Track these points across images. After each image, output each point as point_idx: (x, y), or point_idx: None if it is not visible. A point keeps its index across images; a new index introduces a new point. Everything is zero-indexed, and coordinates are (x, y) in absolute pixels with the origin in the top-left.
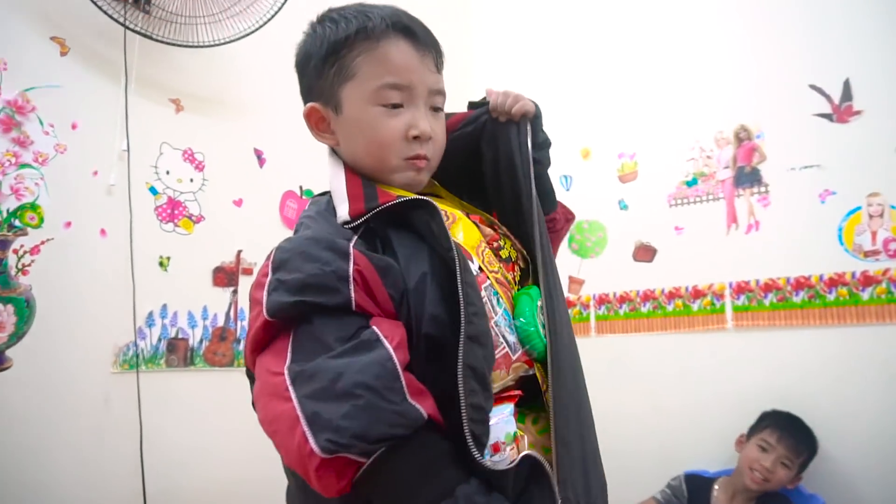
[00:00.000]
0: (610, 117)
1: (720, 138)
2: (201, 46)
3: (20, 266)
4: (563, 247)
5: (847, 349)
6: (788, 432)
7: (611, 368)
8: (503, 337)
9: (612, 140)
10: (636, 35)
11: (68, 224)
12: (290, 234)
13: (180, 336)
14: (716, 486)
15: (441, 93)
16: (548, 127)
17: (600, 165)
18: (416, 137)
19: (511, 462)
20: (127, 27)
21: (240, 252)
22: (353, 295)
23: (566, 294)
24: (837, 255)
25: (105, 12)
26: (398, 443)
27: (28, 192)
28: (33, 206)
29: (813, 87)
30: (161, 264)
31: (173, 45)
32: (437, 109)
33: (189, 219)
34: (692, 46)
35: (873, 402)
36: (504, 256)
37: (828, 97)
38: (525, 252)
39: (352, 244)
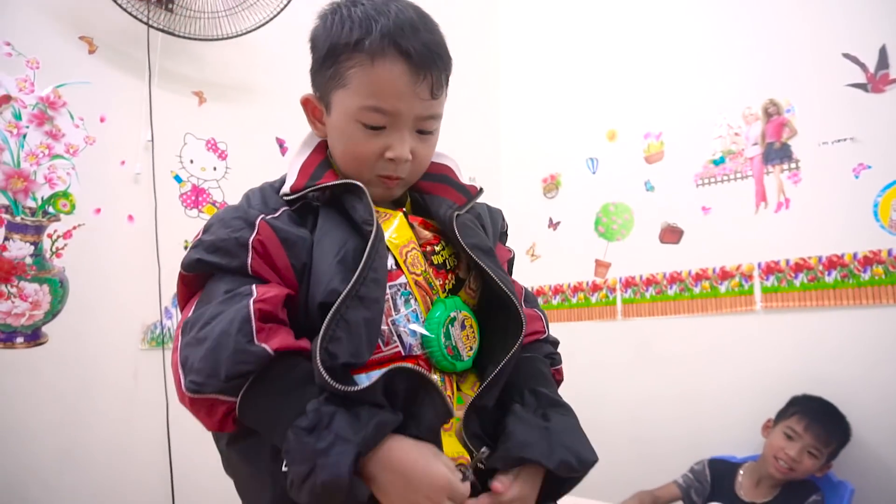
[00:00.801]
0: (635, 98)
1: (748, 114)
2: (222, 39)
3: (54, 249)
4: (590, 230)
5: (883, 330)
6: (817, 420)
7: (638, 352)
8: (398, 335)
9: (637, 121)
10: (659, 12)
11: (98, 210)
12: None
13: None
14: (741, 472)
15: (433, 117)
16: (574, 110)
17: (626, 147)
18: (391, 160)
19: (370, 380)
20: (150, 26)
21: None
22: (249, 261)
23: (593, 278)
24: (873, 232)
25: (129, 13)
26: (255, 377)
27: (60, 181)
28: (65, 194)
29: (846, 55)
30: (185, 248)
31: (195, 39)
32: (424, 132)
33: (213, 205)
34: (716, 20)
35: (886, 384)
36: (437, 262)
37: (862, 66)
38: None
39: (261, 217)
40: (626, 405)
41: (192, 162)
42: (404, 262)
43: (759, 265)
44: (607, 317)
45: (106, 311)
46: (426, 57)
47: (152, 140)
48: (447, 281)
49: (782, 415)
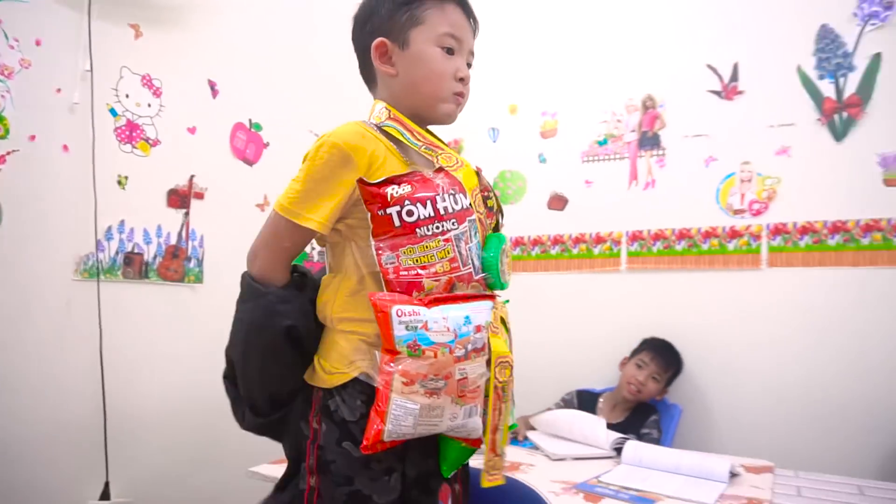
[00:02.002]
0: (537, 78)
1: (629, 105)
2: None
3: None
4: None
5: (713, 290)
6: (660, 353)
7: (522, 304)
8: (472, 259)
9: (537, 99)
10: (564, 8)
11: (32, 137)
12: (239, 163)
13: (136, 251)
14: (601, 399)
15: (473, 54)
16: (481, 83)
17: (525, 121)
18: (461, 79)
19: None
20: None
21: (192, 177)
22: None
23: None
24: (714, 212)
25: None
26: None
27: None
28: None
29: (709, 66)
30: (119, 183)
31: None
32: (469, 65)
33: (146, 142)
34: (612, 21)
35: (722, 332)
36: (489, 205)
37: (720, 76)
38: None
39: None
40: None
41: (127, 96)
42: (473, 201)
43: (627, 233)
44: None
45: (40, 240)
46: (471, 8)
47: (91, 70)
48: (492, 220)
49: (636, 352)
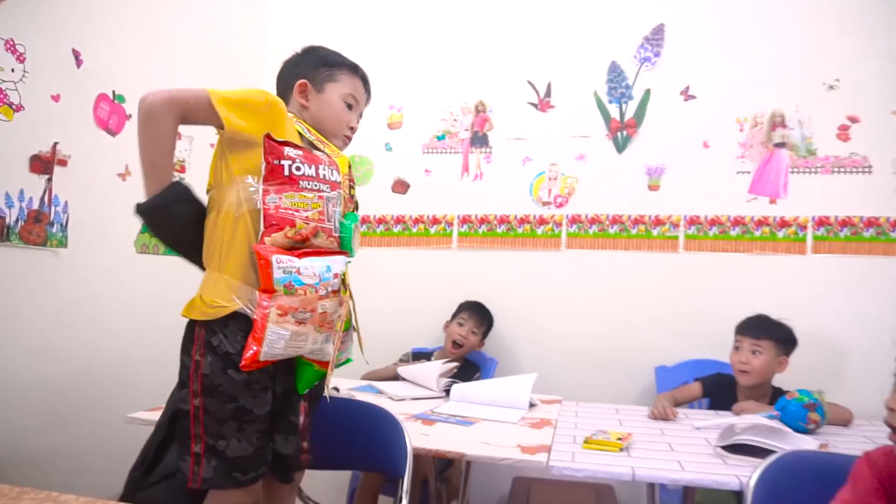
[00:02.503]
0: (387, 75)
1: (465, 107)
2: None
3: None
4: None
5: (525, 266)
6: (475, 311)
7: (367, 275)
8: (334, 220)
9: (386, 93)
10: (414, 15)
11: None
12: (102, 133)
13: None
14: (433, 357)
15: (362, 115)
16: None
17: (375, 113)
18: (351, 128)
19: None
20: None
21: (56, 144)
22: None
23: None
24: (527, 203)
25: None
26: None
27: None
28: None
29: (529, 82)
30: None
31: None
32: (357, 121)
33: (10, 106)
34: (455, 32)
35: (530, 300)
36: (352, 193)
37: (537, 92)
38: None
39: None
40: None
41: None
42: (343, 181)
43: (458, 216)
44: None
45: None
46: (370, 85)
47: None
48: (352, 205)
49: (455, 314)
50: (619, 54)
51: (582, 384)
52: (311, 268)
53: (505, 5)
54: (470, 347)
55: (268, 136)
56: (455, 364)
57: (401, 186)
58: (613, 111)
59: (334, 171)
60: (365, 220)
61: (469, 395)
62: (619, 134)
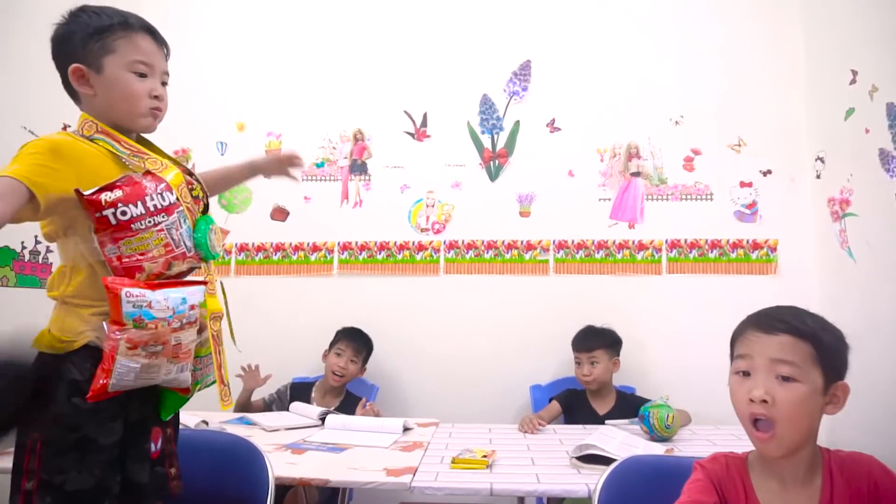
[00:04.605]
0: (264, 102)
1: (343, 135)
2: None
3: None
4: (213, 202)
5: (401, 291)
6: (353, 339)
7: (244, 304)
8: (184, 242)
9: (263, 120)
10: (289, 42)
11: None
12: None
13: None
14: (314, 388)
15: (167, 73)
16: (210, 99)
17: (252, 138)
18: (155, 96)
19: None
20: None
21: None
22: None
23: None
24: (406, 229)
25: None
26: None
27: None
28: None
29: (406, 112)
30: None
31: None
32: (165, 83)
33: None
34: (330, 60)
35: (410, 325)
36: (195, 195)
37: (413, 121)
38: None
39: None
40: (231, 344)
41: None
42: (180, 195)
43: (339, 243)
44: (222, 274)
45: None
46: (159, 35)
47: None
48: (199, 206)
49: (333, 343)
50: (490, 87)
51: (460, 406)
52: (164, 301)
53: (381, 36)
54: (351, 376)
55: (77, 192)
56: (325, 410)
57: (280, 214)
58: (486, 141)
59: (165, 194)
60: (243, 248)
61: (346, 423)
62: (491, 163)
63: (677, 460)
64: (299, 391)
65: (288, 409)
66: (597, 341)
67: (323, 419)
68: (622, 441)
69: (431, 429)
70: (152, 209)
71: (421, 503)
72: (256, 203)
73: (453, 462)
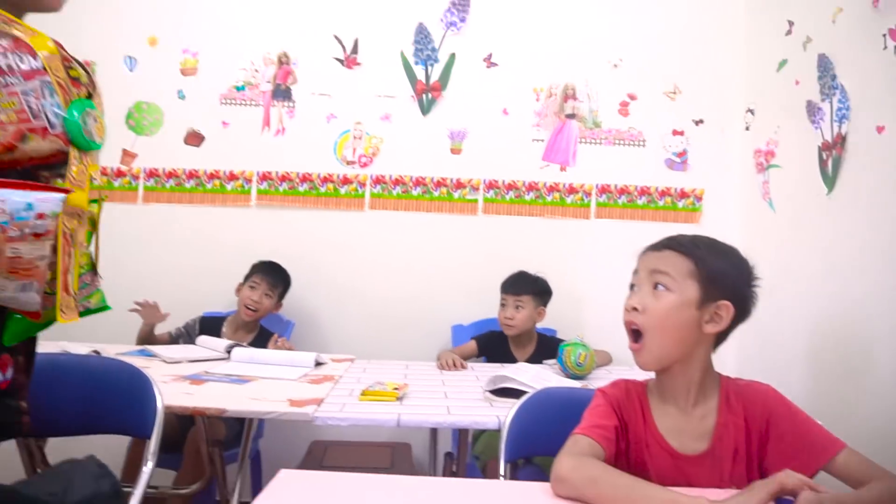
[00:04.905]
0: (180, 15)
1: (267, 58)
2: None
3: None
4: (119, 122)
5: (323, 226)
6: (269, 273)
7: (153, 234)
8: (46, 115)
9: (178, 35)
10: None
11: None
12: None
13: None
14: (225, 324)
15: None
16: (117, 8)
17: (165, 55)
18: None
19: None
20: None
21: None
22: None
23: (118, 165)
24: (332, 161)
25: None
26: None
27: None
28: None
29: (336, 37)
30: None
31: None
32: None
33: None
34: None
35: (332, 260)
36: (73, 75)
37: (343, 47)
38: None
39: None
40: (140, 274)
41: None
42: (49, 66)
43: (258, 173)
44: (129, 200)
45: None
46: None
47: None
48: (80, 90)
49: (248, 276)
50: (427, 16)
51: (380, 345)
52: (1, 202)
53: None
54: (265, 311)
55: None
56: (232, 343)
57: (195, 138)
58: (419, 73)
59: (25, 57)
60: (153, 174)
61: (253, 356)
62: (424, 96)
63: (590, 393)
64: (210, 326)
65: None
66: (527, 286)
67: (230, 352)
68: (536, 374)
69: (346, 364)
70: (4, 68)
71: (332, 441)
72: (168, 125)
73: (362, 394)
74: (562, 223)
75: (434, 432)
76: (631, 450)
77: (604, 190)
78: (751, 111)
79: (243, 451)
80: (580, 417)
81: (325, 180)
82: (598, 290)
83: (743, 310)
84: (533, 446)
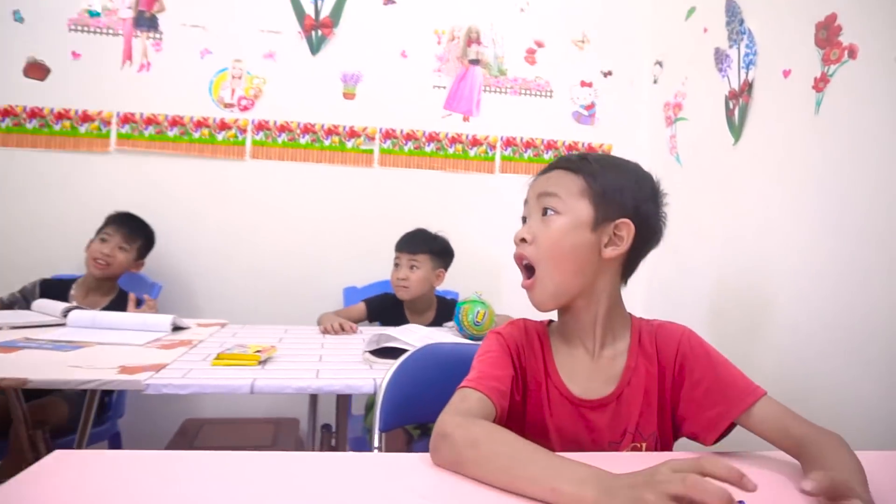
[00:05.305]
0: None
1: None
2: None
3: None
4: None
5: (198, 176)
6: (124, 224)
7: None
8: None
9: None
10: None
11: None
12: None
13: None
14: (74, 286)
15: None
16: None
17: None
18: None
19: None
20: None
21: None
22: None
23: None
24: (207, 104)
25: None
26: None
27: None
28: None
29: None
30: None
31: None
32: None
33: None
34: None
35: (207, 215)
36: None
37: None
38: None
39: None
40: None
41: None
42: None
43: (118, 114)
44: None
45: None
46: None
47: None
48: None
49: (100, 229)
50: None
51: (262, 309)
52: None
53: None
54: (119, 268)
55: None
56: (69, 306)
57: (38, 70)
58: (308, 7)
59: None
60: None
61: (96, 319)
62: (313, 33)
63: (473, 346)
64: (53, 289)
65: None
66: (424, 245)
67: (67, 315)
68: (427, 335)
69: (214, 329)
70: None
71: (209, 418)
72: (3, 53)
73: (217, 358)
74: (465, 177)
75: (314, 404)
76: (529, 400)
77: (509, 143)
78: (659, 63)
79: (81, 433)
80: (466, 370)
81: (200, 125)
82: (505, 250)
83: (647, 229)
84: (415, 412)
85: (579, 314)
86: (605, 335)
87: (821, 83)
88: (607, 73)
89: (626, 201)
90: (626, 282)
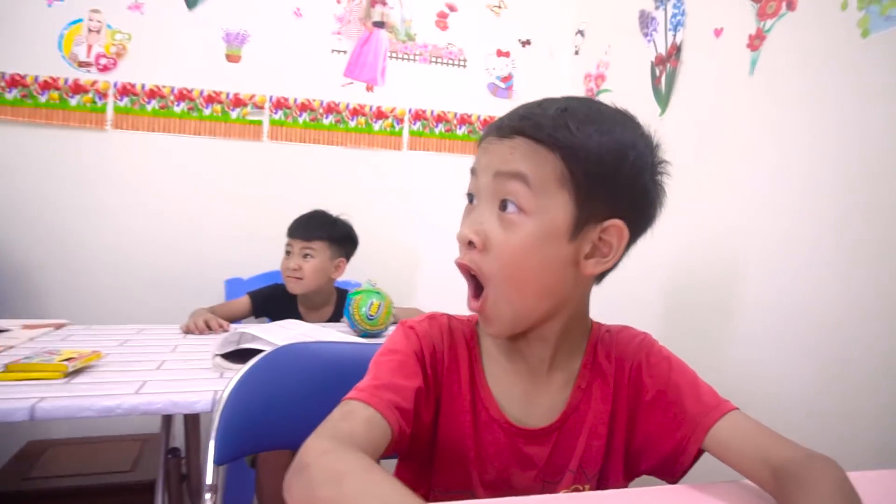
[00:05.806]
0: None
1: None
2: None
3: None
4: None
5: (50, 150)
6: None
7: None
8: None
9: None
10: None
11: None
12: None
13: None
14: None
15: None
16: None
17: None
18: None
19: None
20: None
21: None
22: None
23: None
24: (56, 61)
25: None
26: None
27: None
28: None
29: None
30: None
31: None
32: None
33: None
34: None
35: (65, 195)
36: None
37: None
38: None
39: None
40: None
41: None
42: None
43: None
44: None
45: None
46: None
47: None
48: None
49: None
50: None
51: (127, 307)
52: None
53: None
54: None
55: None
56: None
57: None
58: None
59: None
60: None
61: None
62: None
63: (366, 350)
64: None
65: None
66: (320, 230)
67: None
68: (305, 332)
69: (44, 331)
70: None
71: (57, 439)
72: None
73: (5, 371)
74: (368, 154)
75: (168, 425)
76: (442, 422)
77: (418, 116)
78: (581, 32)
79: None
80: (350, 374)
81: (47, 86)
82: (411, 231)
83: (643, 224)
84: (268, 437)
85: (532, 339)
86: (558, 350)
87: (756, 41)
88: (525, 43)
89: (620, 190)
90: (600, 282)
